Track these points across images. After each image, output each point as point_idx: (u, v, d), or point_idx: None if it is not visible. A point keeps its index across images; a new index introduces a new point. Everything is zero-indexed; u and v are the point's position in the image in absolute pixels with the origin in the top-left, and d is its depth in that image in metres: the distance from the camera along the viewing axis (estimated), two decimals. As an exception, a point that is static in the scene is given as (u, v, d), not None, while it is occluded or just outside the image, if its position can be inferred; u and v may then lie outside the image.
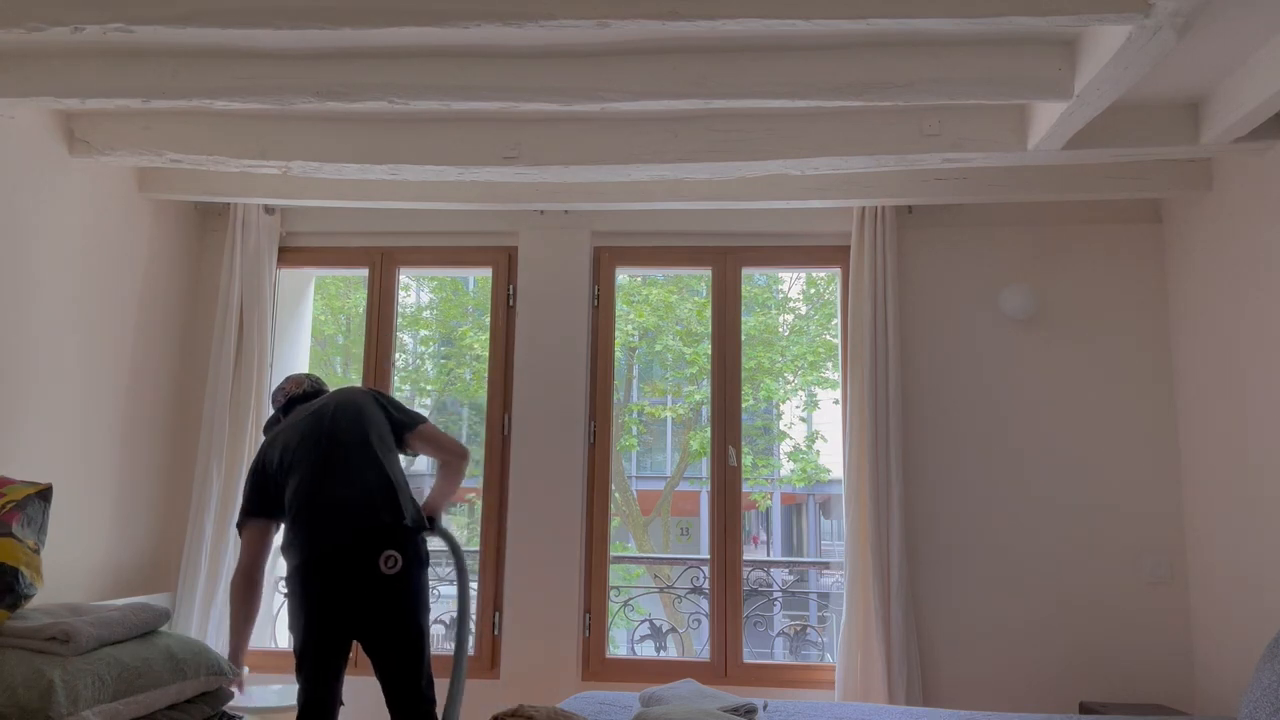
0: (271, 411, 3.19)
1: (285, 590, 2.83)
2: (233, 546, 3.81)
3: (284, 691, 3.56)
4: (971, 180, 3.71)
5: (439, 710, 2.76)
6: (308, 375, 3.16)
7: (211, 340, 4.03)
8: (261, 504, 2.85)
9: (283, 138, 3.47)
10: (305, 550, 2.66)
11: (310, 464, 2.77)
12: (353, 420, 2.86)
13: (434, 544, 2.97)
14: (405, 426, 2.97)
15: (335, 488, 2.72)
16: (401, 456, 3.02)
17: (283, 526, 2.82)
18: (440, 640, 5.82)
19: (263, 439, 3.06)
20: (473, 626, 2.84)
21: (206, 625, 3.69)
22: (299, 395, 3.06)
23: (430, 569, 2.83)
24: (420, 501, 2.92)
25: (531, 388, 3.96)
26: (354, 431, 2.83)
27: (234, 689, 2.90)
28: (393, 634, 2.66)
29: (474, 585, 3.99)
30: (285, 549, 2.75)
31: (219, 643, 3.70)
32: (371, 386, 3.28)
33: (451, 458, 2.99)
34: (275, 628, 4.15)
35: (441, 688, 2.80)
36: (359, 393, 3.00)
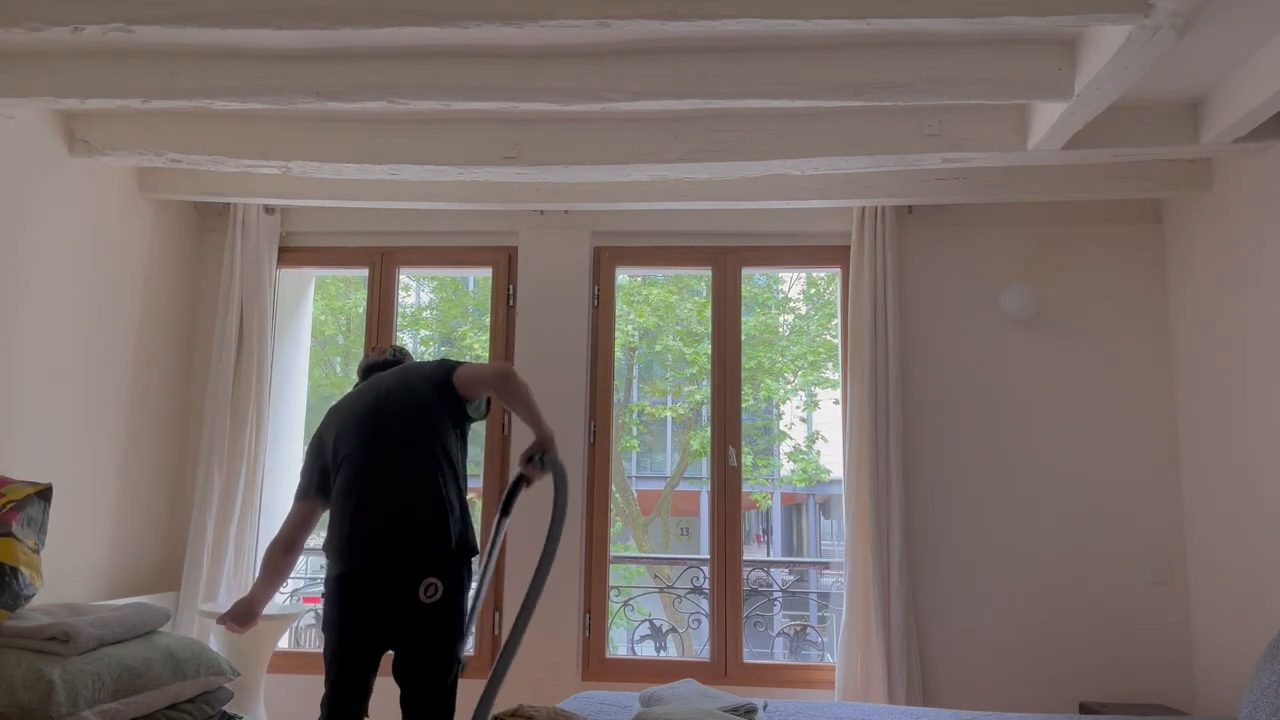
0: (273, 411, 3.06)
1: (323, 591, 2.71)
2: (233, 546, 3.82)
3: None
4: (971, 180, 3.71)
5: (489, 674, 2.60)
6: (393, 345, 2.95)
7: (212, 340, 4.03)
8: (318, 485, 2.71)
9: (283, 138, 3.47)
10: (342, 564, 2.54)
11: (356, 467, 2.59)
12: (405, 418, 2.62)
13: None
14: (448, 385, 2.66)
15: (380, 503, 2.54)
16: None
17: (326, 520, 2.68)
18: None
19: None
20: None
21: (209, 625, 3.69)
22: (379, 363, 2.87)
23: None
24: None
25: (531, 388, 3.94)
26: (405, 432, 2.60)
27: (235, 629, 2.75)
28: (422, 660, 2.53)
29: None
30: (326, 551, 2.61)
31: (219, 643, 3.69)
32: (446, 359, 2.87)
33: (493, 385, 2.69)
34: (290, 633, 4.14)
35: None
36: (422, 375, 2.70)
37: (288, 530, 2.76)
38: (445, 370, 2.70)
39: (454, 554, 2.55)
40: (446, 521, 2.55)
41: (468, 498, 2.73)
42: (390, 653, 2.59)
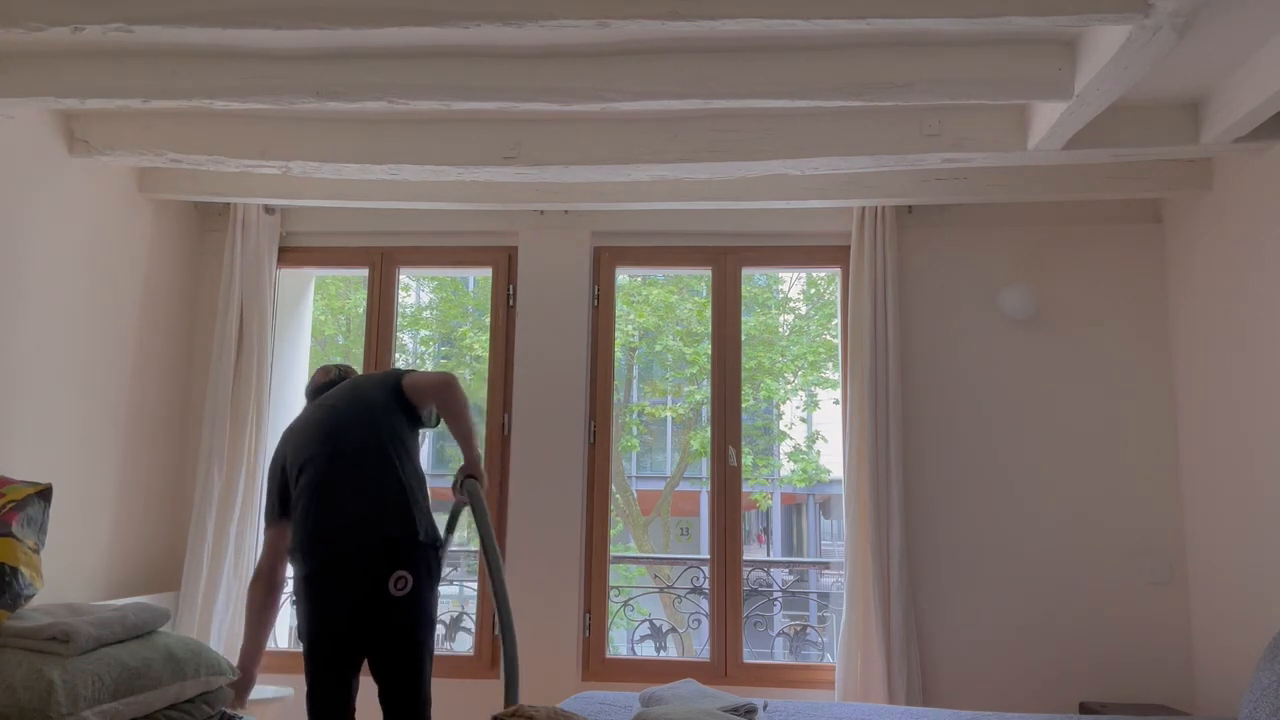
0: (273, 411, 3.09)
1: (294, 596, 2.73)
2: (233, 546, 3.81)
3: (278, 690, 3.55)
4: (971, 180, 3.71)
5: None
6: (338, 365, 2.98)
7: (212, 340, 4.03)
8: (282, 506, 2.72)
9: (283, 138, 3.47)
10: (308, 562, 2.55)
11: (317, 467, 2.62)
12: (360, 415, 2.67)
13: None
14: (399, 390, 2.72)
15: (343, 495, 2.56)
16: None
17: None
18: (441, 640, 5.79)
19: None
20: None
21: (209, 625, 3.69)
22: (325, 384, 2.90)
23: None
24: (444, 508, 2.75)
25: (531, 388, 3.96)
26: (362, 428, 2.64)
27: (234, 702, 2.77)
28: (395, 654, 2.54)
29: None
30: (292, 555, 2.64)
31: (220, 642, 3.70)
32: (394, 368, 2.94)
33: (436, 394, 2.70)
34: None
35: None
36: (371, 381, 2.79)
37: (265, 562, 2.77)
38: (395, 376, 2.79)
39: (422, 545, 2.55)
40: (411, 510, 2.56)
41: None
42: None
